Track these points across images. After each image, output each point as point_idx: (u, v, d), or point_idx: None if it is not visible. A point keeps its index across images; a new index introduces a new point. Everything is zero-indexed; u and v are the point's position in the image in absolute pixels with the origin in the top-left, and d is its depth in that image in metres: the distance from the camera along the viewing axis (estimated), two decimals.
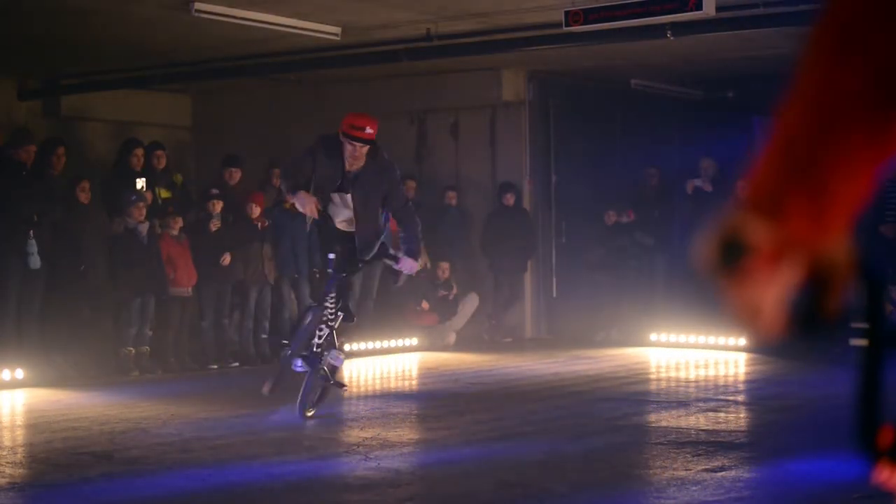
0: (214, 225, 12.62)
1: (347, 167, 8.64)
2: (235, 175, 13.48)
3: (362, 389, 11.95)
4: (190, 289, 12.41)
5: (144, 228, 12.05)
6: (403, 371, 12.88)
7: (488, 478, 6.77)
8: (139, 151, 12.99)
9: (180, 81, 15.88)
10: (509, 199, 15.19)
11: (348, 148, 8.58)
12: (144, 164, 13.01)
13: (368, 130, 8.56)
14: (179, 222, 12.46)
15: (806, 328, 1.41)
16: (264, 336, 13.13)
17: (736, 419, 9.25)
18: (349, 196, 8.68)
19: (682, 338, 14.08)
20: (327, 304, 8.64)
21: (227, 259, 12.59)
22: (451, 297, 14.89)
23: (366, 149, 8.59)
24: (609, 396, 9.98)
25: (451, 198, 15.44)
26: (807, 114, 1.29)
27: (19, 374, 10.85)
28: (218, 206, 12.67)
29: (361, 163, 8.62)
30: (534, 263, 15.71)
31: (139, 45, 13.22)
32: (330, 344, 8.65)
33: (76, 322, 11.76)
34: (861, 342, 1.48)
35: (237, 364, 12.80)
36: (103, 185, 12.71)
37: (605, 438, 8.09)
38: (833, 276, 1.37)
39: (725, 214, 1.35)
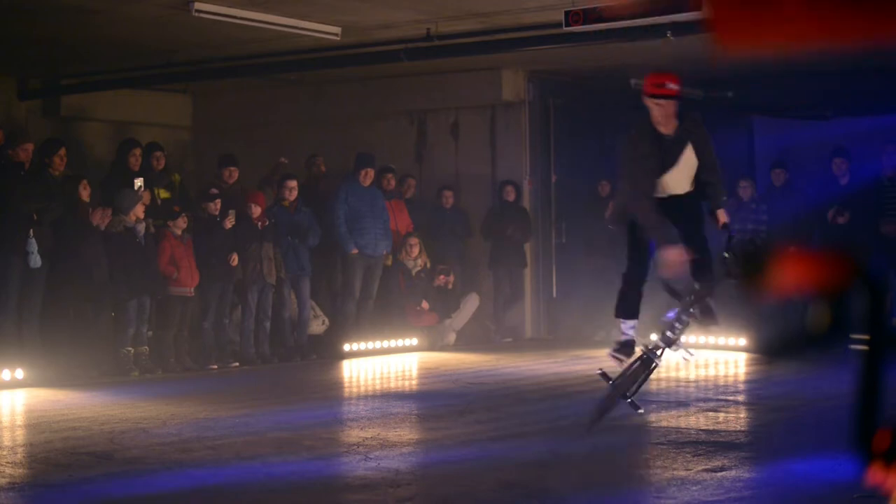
0: (229, 222, 12.62)
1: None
2: (234, 174, 13.47)
3: (362, 389, 11.96)
4: (192, 289, 12.41)
5: (142, 228, 12.04)
6: (403, 371, 12.88)
7: (488, 478, 6.76)
8: (137, 151, 13.00)
9: (180, 81, 15.89)
10: (510, 192, 15.21)
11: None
12: (142, 165, 13.01)
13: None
14: (185, 222, 12.45)
15: (811, 340, 1.41)
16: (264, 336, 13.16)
17: (736, 419, 9.24)
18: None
19: (681, 338, 14.02)
20: None
21: (235, 259, 12.59)
22: (449, 284, 14.85)
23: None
24: None
25: (448, 197, 15.43)
26: None
27: (19, 374, 10.85)
28: (217, 206, 12.67)
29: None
30: (534, 263, 15.70)
31: (139, 45, 13.23)
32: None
33: (76, 322, 11.76)
34: (861, 346, 1.48)
35: (237, 364, 12.81)
36: (102, 185, 12.71)
37: (605, 438, 8.08)
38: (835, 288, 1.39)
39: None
